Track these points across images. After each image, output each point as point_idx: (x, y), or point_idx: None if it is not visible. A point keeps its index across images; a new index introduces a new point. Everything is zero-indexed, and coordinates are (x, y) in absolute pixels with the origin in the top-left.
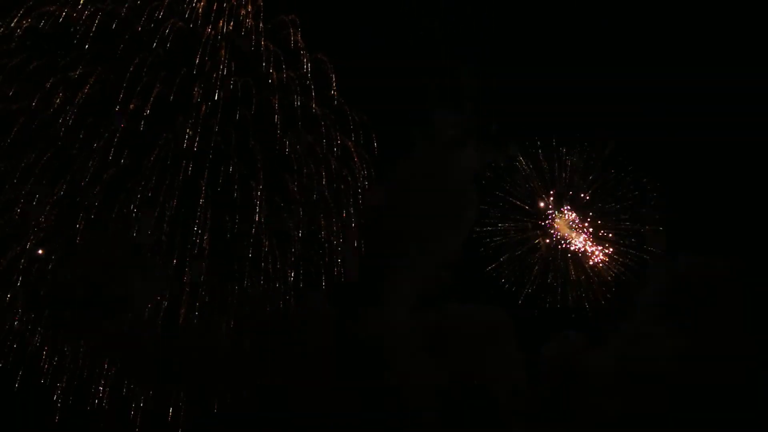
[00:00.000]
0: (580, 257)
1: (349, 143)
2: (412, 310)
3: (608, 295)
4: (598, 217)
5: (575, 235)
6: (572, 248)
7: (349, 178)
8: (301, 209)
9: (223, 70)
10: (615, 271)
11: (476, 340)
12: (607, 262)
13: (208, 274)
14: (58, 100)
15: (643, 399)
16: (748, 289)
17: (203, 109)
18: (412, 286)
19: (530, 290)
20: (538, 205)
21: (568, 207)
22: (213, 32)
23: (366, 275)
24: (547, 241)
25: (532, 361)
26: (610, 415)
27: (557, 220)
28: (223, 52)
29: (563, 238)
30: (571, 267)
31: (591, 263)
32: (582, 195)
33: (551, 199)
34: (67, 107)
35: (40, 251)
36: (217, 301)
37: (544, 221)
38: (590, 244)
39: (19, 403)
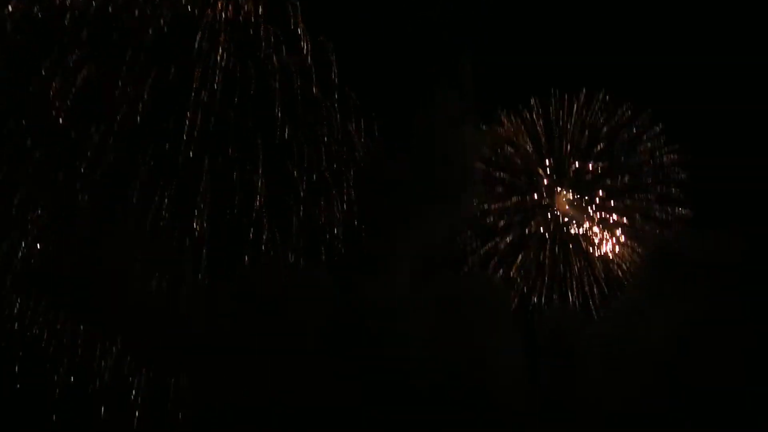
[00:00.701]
0: (583, 244)
1: (350, 125)
2: (410, 284)
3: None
4: (610, 197)
5: (578, 216)
6: (572, 232)
7: (350, 161)
8: (301, 191)
9: (222, 54)
10: (626, 264)
11: (472, 316)
12: (617, 254)
13: (208, 256)
14: (54, 85)
15: (641, 378)
16: (749, 268)
17: (202, 92)
18: (410, 262)
19: (525, 281)
20: (533, 179)
21: (570, 181)
22: (212, 13)
23: (365, 253)
24: (541, 229)
25: (528, 341)
26: (607, 399)
27: (557, 198)
28: (222, 35)
29: (564, 218)
30: (572, 255)
31: (597, 254)
32: (591, 166)
33: (547, 171)
34: (65, 91)
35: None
36: (218, 282)
37: (542, 199)
38: (596, 230)
39: (19, 385)
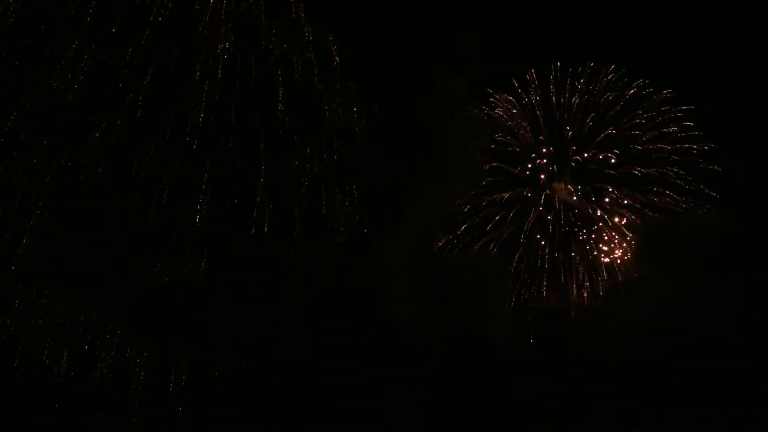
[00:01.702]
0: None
1: (351, 115)
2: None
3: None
4: (618, 191)
5: (580, 207)
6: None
7: (350, 152)
8: (302, 183)
9: (224, 45)
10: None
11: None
12: (627, 260)
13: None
14: (55, 74)
15: (641, 348)
16: (746, 242)
17: (204, 84)
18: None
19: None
20: (528, 167)
21: (571, 171)
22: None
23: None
24: (538, 235)
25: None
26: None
27: (556, 190)
28: (223, 25)
29: (563, 209)
30: (575, 253)
31: (603, 260)
32: (598, 156)
33: (545, 161)
34: (66, 80)
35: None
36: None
37: (538, 190)
38: (604, 236)
39: (19, 379)
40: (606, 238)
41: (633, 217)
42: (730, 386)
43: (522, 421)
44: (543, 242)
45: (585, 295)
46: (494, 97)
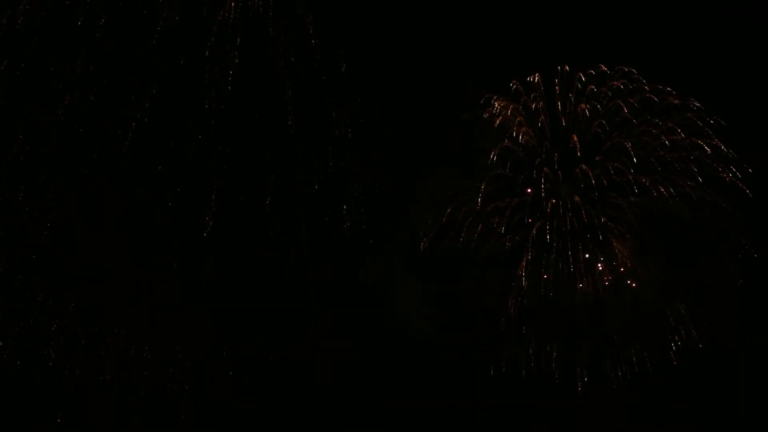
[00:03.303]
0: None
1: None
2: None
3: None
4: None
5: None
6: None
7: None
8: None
9: (233, 55)
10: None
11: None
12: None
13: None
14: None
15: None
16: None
17: (212, 93)
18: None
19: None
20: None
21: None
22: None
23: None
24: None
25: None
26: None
27: (563, 195)
28: (231, 36)
29: (567, 215)
30: (579, 258)
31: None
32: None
33: (549, 168)
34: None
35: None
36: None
37: (543, 198)
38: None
39: (23, 384)
40: (610, 244)
41: (638, 224)
42: (729, 385)
43: (520, 419)
44: (547, 248)
45: (588, 297)
46: (499, 102)
